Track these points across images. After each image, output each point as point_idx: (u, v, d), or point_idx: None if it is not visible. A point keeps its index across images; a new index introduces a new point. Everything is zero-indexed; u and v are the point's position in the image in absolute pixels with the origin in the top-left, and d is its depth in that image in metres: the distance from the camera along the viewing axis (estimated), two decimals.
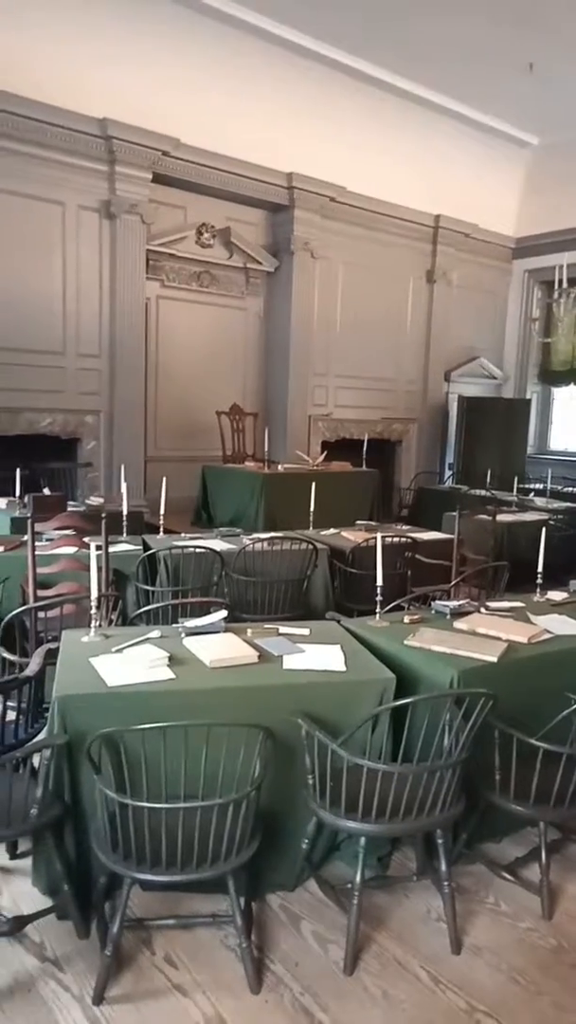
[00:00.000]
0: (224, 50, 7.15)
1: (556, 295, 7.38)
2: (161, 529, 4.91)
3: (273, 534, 4.74)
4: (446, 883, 2.27)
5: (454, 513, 5.09)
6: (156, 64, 6.86)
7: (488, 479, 7.86)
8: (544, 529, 3.82)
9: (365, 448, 7.89)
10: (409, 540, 4.78)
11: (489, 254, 10.29)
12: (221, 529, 5.24)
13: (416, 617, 3.16)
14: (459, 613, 3.19)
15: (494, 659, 2.69)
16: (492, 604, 3.42)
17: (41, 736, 2.49)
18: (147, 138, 6.85)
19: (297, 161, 7.93)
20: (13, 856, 2.61)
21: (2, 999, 2.02)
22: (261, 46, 7.29)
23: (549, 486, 8.10)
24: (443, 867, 2.28)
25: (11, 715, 2.62)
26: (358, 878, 2.19)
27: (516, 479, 7.93)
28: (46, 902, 2.32)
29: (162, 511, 4.90)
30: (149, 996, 2.05)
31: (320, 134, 8.07)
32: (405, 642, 2.82)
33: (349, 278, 8.90)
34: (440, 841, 2.28)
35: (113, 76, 6.64)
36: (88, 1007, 2.00)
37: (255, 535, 4.84)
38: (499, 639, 2.89)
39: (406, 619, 3.14)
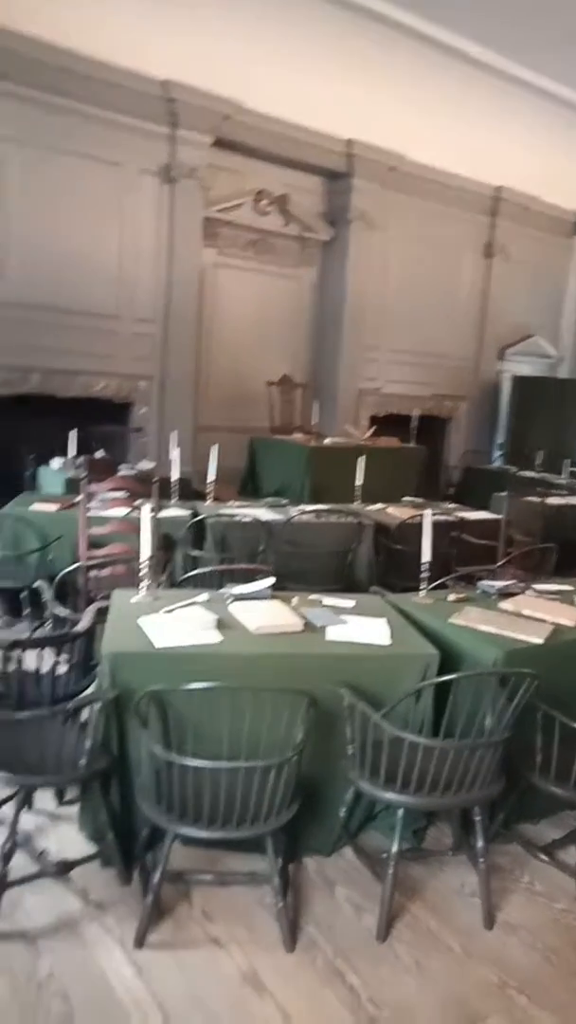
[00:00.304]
0: (287, 13, 7.01)
1: None
2: (209, 497, 4.96)
3: (319, 506, 4.74)
4: (482, 860, 2.29)
5: (503, 494, 5.02)
6: (219, 27, 6.75)
7: (538, 460, 7.70)
8: None
9: (414, 424, 7.79)
10: (456, 519, 4.73)
11: (550, 228, 9.95)
12: (267, 499, 5.26)
13: (461, 596, 3.15)
14: (505, 594, 3.15)
15: (540, 641, 2.66)
16: (539, 586, 3.37)
17: (90, 690, 2.56)
18: (209, 101, 6.77)
19: (358, 128, 7.76)
20: (61, 803, 2.71)
21: (48, 936, 2.11)
22: (324, 8, 7.12)
23: None
24: (479, 844, 2.29)
25: (62, 669, 2.70)
26: (394, 848, 2.22)
27: (568, 462, 7.75)
28: (90, 849, 2.41)
29: (210, 479, 4.94)
30: (187, 945, 2.13)
31: (382, 100, 7.88)
32: (450, 620, 2.81)
33: (405, 250, 8.72)
34: (477, 818, 2.29)
35: (176, 38, 6.56)
36: (128, 950, 2.08)
37: (301, 507, 4.85)
38: (545, 621, 2.85)
39: (451, 597, 3.12)
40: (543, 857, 2.56)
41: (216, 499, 4.98)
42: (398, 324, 8.83)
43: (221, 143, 7.15)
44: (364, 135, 7.79)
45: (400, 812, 2.24)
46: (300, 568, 4.33)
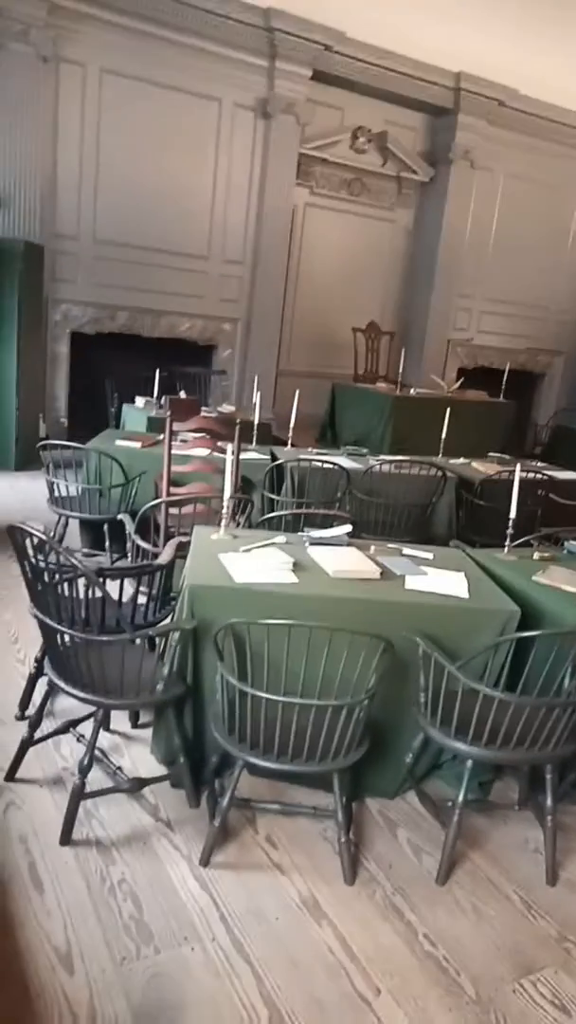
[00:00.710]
0: None
1: None
2: (289, 442, 4.95)
3: (402, 457, 4.66)
4: (549, 817, 2.26)
5: None
6: None
7: None
8: None
9: (505, 378, 7.51)
10: (545, 477, 4.56)
11: None
12: (347, 447, 5.20)
13: (547, 555, 3.05)
14: None
15: None
16: None
17: (169, 621, 2.64)
18: (311, 30, 6.53)
19: (466, 60, 7.33)
20: (135, 725, 2.83)
21: (120, 846, 2.23)
22: None
23: None
24: (549, 801, 2.26)
25: (141, 599, 2.79)
26: (460, 797, 2.21)
27: None
28: (162, 771, 2.51)
29: (292, 424, 4.92)
30: (250, 868, 2.20)
31: (494, 30, 7.31)
32: (533, 578, 2.74)
33: (509, 192, 8.28)
34: (548, 776, 2.26)
35: None
36: (195, 866, 2.18)
37: (383, 456, 4.77)
38: None
39: (535, 556, 3.03)
40: None
41: (295, 445, 4.97)
42: (496, 272, 8.45)
43: (320, 76, 6.91)
44: (473, 68, 7.37)
45: (469, 763, 2.23)
46: (378, 518, 4.29)
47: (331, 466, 4.27)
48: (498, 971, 1.95)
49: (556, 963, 1.99)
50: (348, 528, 3.02)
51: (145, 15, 6.02)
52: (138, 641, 2.41)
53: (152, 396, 5.68)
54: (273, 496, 4.19)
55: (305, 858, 2.26)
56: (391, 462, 4.45)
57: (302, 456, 4.46)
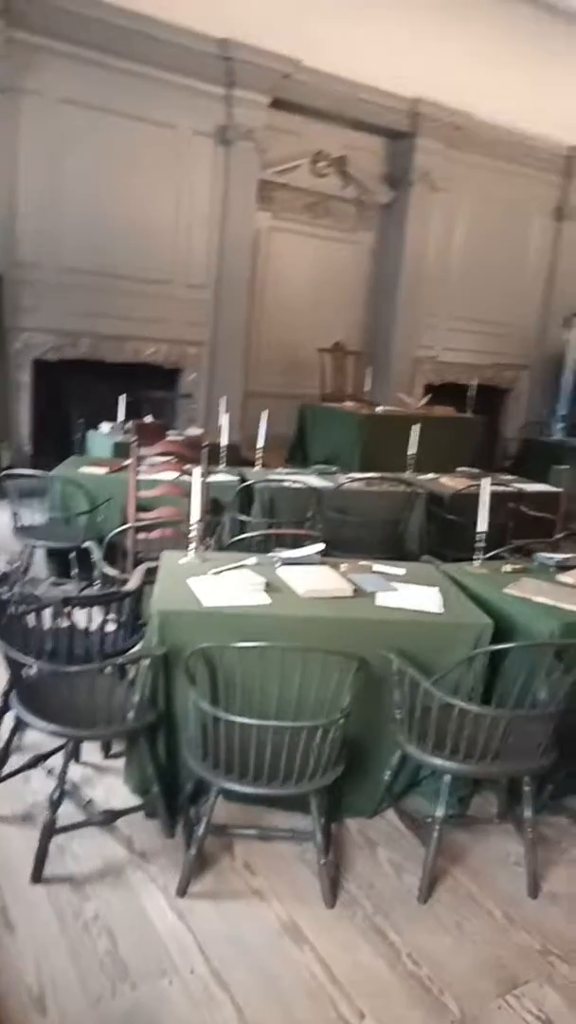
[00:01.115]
0: None
1: None
2: (258, 463, 4.95)
3: (371, 474, 4.68)
4: (529, 829, 2.25)
5: (563, 466, 4.87)
6: None
7: None
8: None
9: (472, 394, 7.61)
10: (514, 490, 4.62)
11: None
12: (317, 466, 5.22)
13: (518, 567, 3.08)
14: (564, 567, 3.07)
15: None
16: None
17: (138, 648, 2.60)
18: (267, 59, 6.63)
19: (423, 85, 7.50)
20: (107, 756, 2.77)
21: (93, 881, 2.17)
22: None
23: None
24: (527, 813, 2.25)
25: (109, 627, 2.75)
26: (439, 812, 2.20)
27: None
28: (135, 801, 2.46)
29: (260, 445, 4.92)
30: (228, 896, 2.16)
31: (449, 55, 7.58)
32: (504, 590, 2.75)
33: (469, 212, 8.46)
34: (527, 788, 2.26)
35: None
36: (172, 897, 2.13)
37: (352, 474, 4.79)
38: None
39: (506, 568, 3.05)
40: None
41: (264, 466, 4.97)
42: (458, 290, 8.60)
43: (279, 103, 7.01)
44: (429, 93, 7.53)
45: (447, 778, 2.22)
46: (349, 536, 4.29)
47: (301, 485, 4.28)
48: (482, 988, 1.92)
49: (540, 977, 1.97)
50: (319, 547, 3.02)
51: (102, 46, 6.08)
52: (108, 670, 2.37)
53: (118, 421, 5.65)
54: (243, 518, 4.17)
55: (284, 882, 2.22)
56: (361, 480, 4.48)
57: (271, 476, 4.46)
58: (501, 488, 4.56)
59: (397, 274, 8.16)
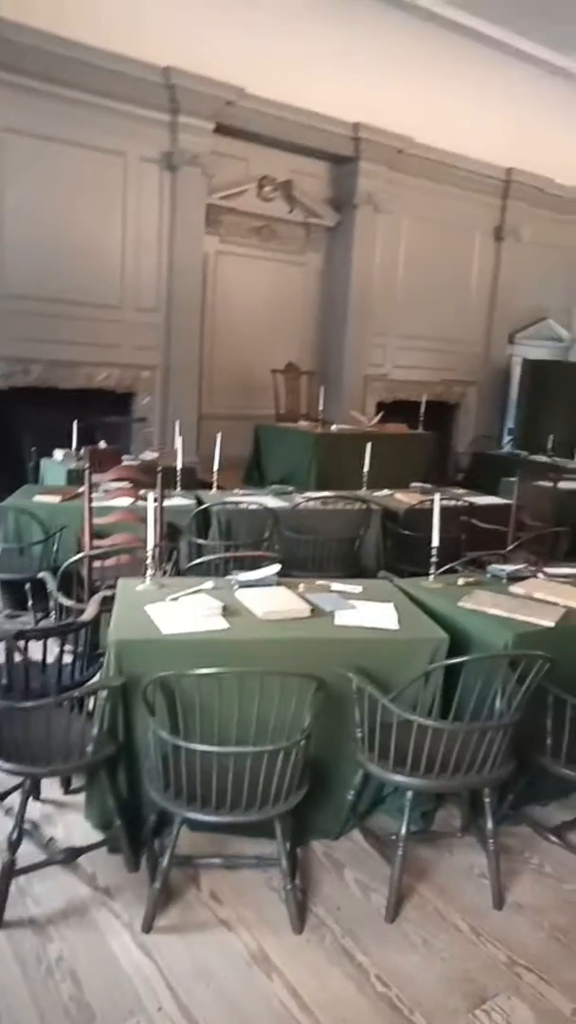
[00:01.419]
0: None
1: None
2: (214, 485, 4.95)
3: (326, 493, 4.72)
4: (491, 840, 2.28)
5: (513, 479, 4.97)
6: (221, 11, 6.69)
7: (550, 445, 7.64)
8: None
9: (423, 410, 7.74)
10: (466, 504, 4.70)
11: (564, 209, 9.81)
12: (273, 487, 5.24)
13: (471, 580, 3.13)
14: (516, 578, 3.13)
15: (551, 624, 2.64)
16: (550, 570, 3.34)
17: (96, 679, 2.56)
18: (211, 87, 6.71)
19: (364, 111, 7.67)
20: (67, 791, 2.72)
21: (56, 922, 2.12)
22: None
23: None
24: (489, 825, 2.28)
25: (67, 658, 2.70)
26: (403, 830, 2.21)
27: None
28: (97, 836, 2.41)
29: (215, 467, 4.93)
30: (195, 928, 2.13)
31: (389, 82, 7.78)
32: (459, 604, 2.80)
33: (413, 234, 8.64)
34: (487, 800, 2.28)
35: (177, 24, 6.51)
36: (137, 933, 2.09)
37: (308, 493, 4.83)
38: (556, 604, 2.83)
39: (460, 581, 3.10)
40: (552, 839, 2.55)
41: (220, 487, 4.97)
42: (406, 309, 8.77)
43: (223, 129, 7.09)
44: (371, 118, 7.70)
45: (409, 794, 2.23)
46: (307, 555, 4.32)
47: (257, 507, 4.29)
48: (451, 1004, 1.93)
49: (508, 988, 1.99)
50: (276, 568, 3.02)
51: (44, 75, 6.08)
52: (65, 703, 2.33)
53: (71, 448, 5.60)
54: (200, 541, 4.16)
55: (252, 911, 2.20)
56: (316, 499, 4.51)
57: (228, 499, 4.46)
58: (453, 502, 4.65)
59: (346, 295, 8.29)
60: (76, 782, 2.70)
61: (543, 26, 7.72)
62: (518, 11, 7.45)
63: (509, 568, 3.20)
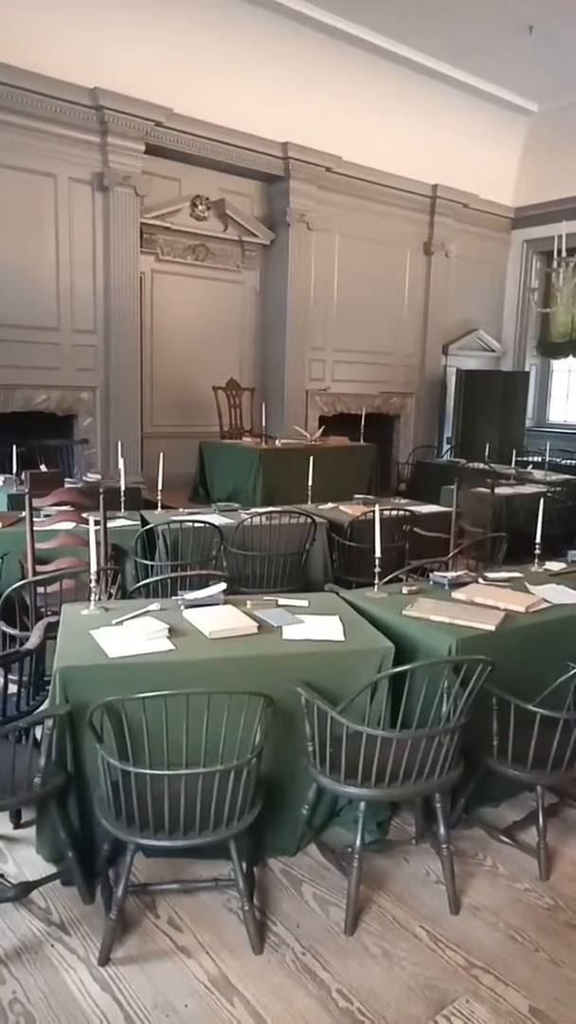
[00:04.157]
0: (219, 17, 7.01)
1: (555, 265, 7.29)
2: (159, 505, 4.92)
3: (271, 508, 4.74)
4: (445, 846, 2.31)
5: (453, 487, 5.09)
6: (149, 32, 6.73)
7: (487, 452, 7.85)
8: (542, 501, 3.83)
9: (363, 423, 7.86)
10: (408, 513, 4.79)
11: (487, 224, 10.17)
12: (219, 504, 5.24)
13: (414, 588, 3.18)
14: (457, 584, 3.20)
15: (492, 628, 2.71)
16: (490, 575, 3.43)
17: (43, 708, 2.51)
18: (139, 108, 6.74)
19: (292, 131, 7.81)
20: (17, 825, 2.64)
21: (10, 961, 2.06)
22: (256, 12, 7.14)
23: (547, 459, 8.10)
24: (442, 830, 2.31)
25: (12, 688, 2.64)
26: (358, 842, 2.22)
27: (515, 452, 7.93)
28: (50, 869, 2.35)
29: (159, 487, 4.90)
30: (154, 957, 2.10)
31: (316, 103, 7.94)
32: (403, 612, 2.84)
33: (346, 250, 8.81)
34: (439, 805, 2.32)
35: (105, 45, 6.51)
36: (94, 968, 2.04)
37: (253, 510, 4.84)
38: (497, 608, 2.90)
39: (404, 590, 3.15)
40: (504, 839, 2.60)
41: (166, 506, 4.95)
42: (343, 324, 8.91)
43: (154, 149, 7.12)
44: (300, 138, 7.84)
45: (362, 805, 2.25)
46: (254, 571, 4.33)
47: (202, 524, 4.28)
48: (414, 1013, 1.94)
49: (467, 992, 2.01)
50: (222, 586, 3.02)
51: None
52: (11, 735, 2.28)
53: (11, 473, 5.49)
54: (146, 562, 4.13)
55: (211, 934, 2.18)
56: (261, 514, 4.52)
57: (173, 518, 4.44)
58: (396, 512, 4.73)
59: (283, 311, 8.38)
60: (26, 815, 2.63)
61: (464, 53, 8.00)
62: (440, 39, 7.72)
63: (451, 575, 3.27)
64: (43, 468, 5.76)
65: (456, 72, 8.49)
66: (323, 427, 7.89)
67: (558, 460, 8.43)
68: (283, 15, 7.27)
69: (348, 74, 8.01)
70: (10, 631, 2.93)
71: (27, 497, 3.61)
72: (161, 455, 5.00)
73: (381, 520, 3.24)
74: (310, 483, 5.25)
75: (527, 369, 10.51)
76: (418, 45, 7.97)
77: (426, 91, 8.60)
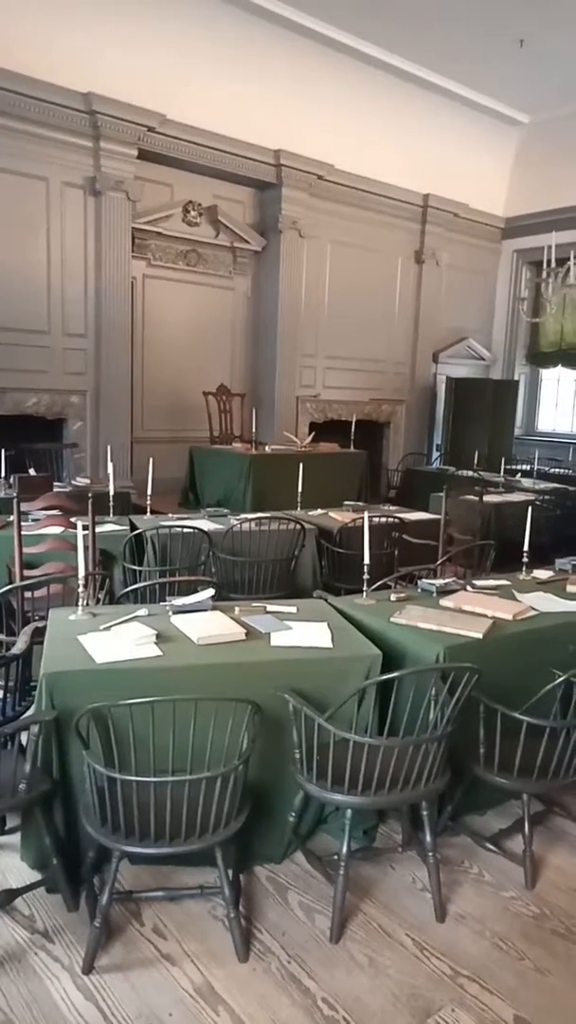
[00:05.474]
0: (213, 24, 7.04)
1: (544, 275, 7.34)
2: (148, 510, 4.90)
3: (261, 514, 4.74)
4: (431, 854, 2.31)
5: (442, 494, 5.11)
6: (143, 38, 6.74)
7: (476, 460, 7.89)
8: (530, 509, 3.84)
9: (353, 429, 7.88)
10: (397, 520, 4.80)
11: (478, 234, 10.25)
12: (208, 509, 5.23)
13: (403, 595, 3.19)
14: (445, 591, 3.21)
15: (479, 635, 2.72)
16: (478, 582, 3.45)
17: (29, 713, 2.50)
18: (132, 113, 6.74)
19: (285, 138, 7.84)
20: (1, 832, 2.62)
21: None
22: (250, 20, 7.18)
23: (536, 467, 8.15)
24: (428, 838, 2.31)
25: None
26: (344, 849, 2.22)
27: (503, 460, 7.97)
28: (35, 876, 2.34)
29: (149, 492, 4.88)
30: (138, 965, 2.08)
31: (309, 111, 7.98)
32: (391, 619, 2.84)
33: (337, 258, 8.84)
34: (425, 813, 2.32)
35: (99, 50, 6.52)
36: (78, 976, 2.03)
37: (243, 515, 4.84)
38: (485, 616, 2.91)
39: (392, 597, 3.16)
40: (491, 847, 2.60)
41: (155, 512, 4.93)
42: (333, 331, 8.94)
43: (146, 155, 7.12)
44: (292, 146, 7.88)
45: (349, 813, 2.25)
46: (243, 577, 4.32)
47: (191, 530, 4.27)
48: (399, 1021, 1.94)
49: (453, 1001, 2.01)
50: (211, 592, 3.02)
51: None
52: None
53: (0, 476, 5.46)
54: (134, 567, 4.11)
55: (196, 942, 2.17)
56: (251, 520, 4.52)
57: (162, 523, 4.43)
58: (385, 519, 4.74)
59: (274, 317, 8.39)
60: (11, 821, 2.61)
61: (456, 64, 8.08)
62: (433, 50, 7.79)
63: (439, 582, 3.28)
64: (32, 472, 5.74)
65: (448, 83, 8.57)
66: (313, 433, 7.90)
67: (546, 468, 8.49)
68: (277, 24, 7.31)
69: (341, 83, 8.06)
70: None
71: (15, 501, 3.60)
72: (151, 460, 4.99)
73: (370, 527, 3.25)
74: (300, 489, 5.25)
75: (516, 378, 10.58)
76: (411, 56, 8.05)
77: (418, 101, 8.67)
